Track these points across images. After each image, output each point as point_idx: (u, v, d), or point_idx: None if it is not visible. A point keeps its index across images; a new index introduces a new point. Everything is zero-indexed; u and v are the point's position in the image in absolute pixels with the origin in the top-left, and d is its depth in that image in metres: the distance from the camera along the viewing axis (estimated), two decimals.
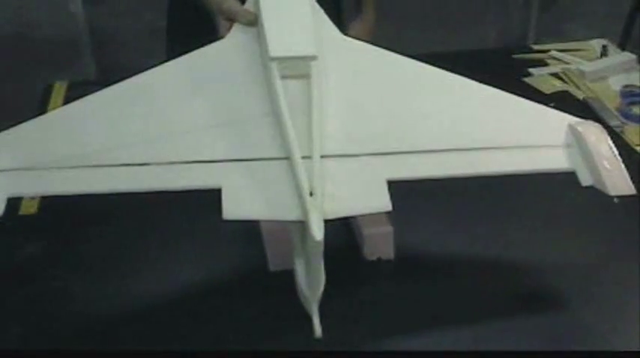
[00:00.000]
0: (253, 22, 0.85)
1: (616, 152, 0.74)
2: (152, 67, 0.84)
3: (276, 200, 0.67)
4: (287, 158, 0.68)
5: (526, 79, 1.30)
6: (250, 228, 0.88)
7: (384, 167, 0.71)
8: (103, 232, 0.92)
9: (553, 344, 0.76)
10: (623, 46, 1.49)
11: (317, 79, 0.74)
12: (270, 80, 0.75)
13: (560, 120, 0.77)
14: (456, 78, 0.80)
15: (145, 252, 0.89)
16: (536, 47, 1.43)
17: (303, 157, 0.66)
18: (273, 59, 0.75)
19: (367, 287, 0.84)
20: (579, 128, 0.75)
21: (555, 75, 1.32)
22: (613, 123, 1.16)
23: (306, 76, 0.75)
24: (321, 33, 0.81)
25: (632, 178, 0.99)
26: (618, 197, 0.72)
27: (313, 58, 0.76)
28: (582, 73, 1.30)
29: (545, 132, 0.76)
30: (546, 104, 0.79)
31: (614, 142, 0.75)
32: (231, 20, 0.89)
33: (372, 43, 0.84)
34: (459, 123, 0.76)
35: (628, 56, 1.36)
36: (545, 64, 1.36)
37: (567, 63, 1.36)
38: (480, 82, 0.80)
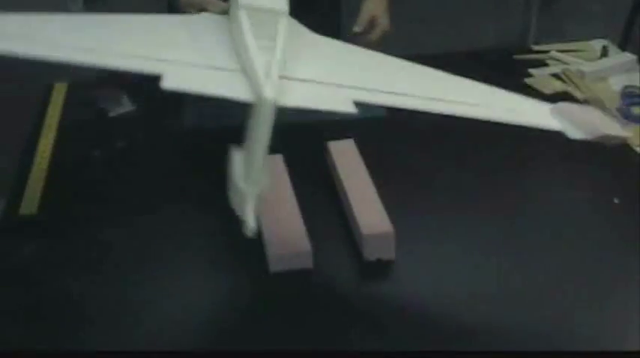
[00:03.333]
0: (224, 11, 0.85)
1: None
2: None
3: (224, 80, 0.65)
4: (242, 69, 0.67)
5: (526, 80, 1.30)
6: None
7: (351, 90, 0.71)
8: (103, 232, 0.92)
9: (553, 344, 0.76)
10: (623, 46, 1.49)
11: (283, 33, 0.73)
12: (236, 29, 0.74)
13: (540, 105, 0.77)
14: (432, 70, 0.79)
15: (146, 252, 0.89)
16: (536, 48, 1.43)
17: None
18: (242, 7, 0.74)
19: (367, 287, 0.84)
20: (563, 105, 0.76)
21: (555, 75, 1.32)
22: None
23: (273, 36, 0.73)
24: (294, 28, 0.80)
25: (632, 178, 1.00)
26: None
27: (283, 13, 0.75)
28: (582, 74, 1.30)
29: (529, 110, 0.77)
30: None
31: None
32: (202, 10, 0.91)
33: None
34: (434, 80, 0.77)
35: (628, 56, 1.36)
36: (546, 65, 1.36)
37: (567, 63, 1.35)
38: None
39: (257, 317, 0.80)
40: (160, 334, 0.78)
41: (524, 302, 0.82)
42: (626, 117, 1.18)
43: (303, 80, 0.70)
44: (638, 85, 1.26)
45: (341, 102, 0.68)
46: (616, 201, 0.98)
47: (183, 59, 0.68)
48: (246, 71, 0.67)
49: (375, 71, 0.78)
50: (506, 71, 1.32)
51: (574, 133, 0.73)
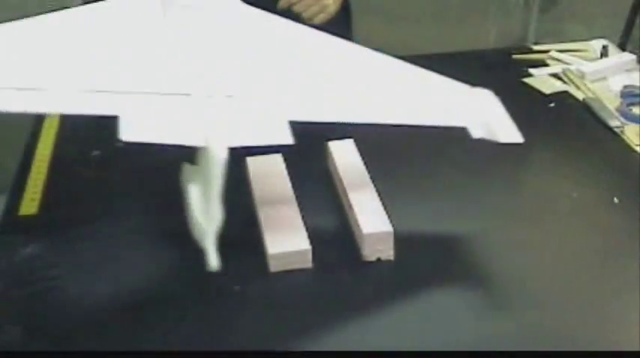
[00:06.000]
0: None
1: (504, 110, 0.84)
2: None
3: (178, 127, 0.67)
4: (187, 94, 0.69)
5: (526, 80, 1.30)
6: (251, 229, 0.88)
7: (286, 108, 0.73)
8: (103, 232, 0.92)
9: (553, 344, 0.76)
10: (623, 46, 1.49)
11: (212, 25, 0.76)
12: (169, 25, 0.76)
13: (450, 87, 0.84)
14: (352, 46, 0.84)
15: (146, 252, 0.89)
16: (536, 47, 1.43)
17: (206, 96, 0.68)
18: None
19: (367, 287, 0.84)
20: (470, 92, 0.82)
21: (555, 75, 1.32)
22: (613, 123, 1.16)
23: (203, 26, 0.76)
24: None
25: (632, 178, 1.00)
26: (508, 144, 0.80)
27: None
28: (582, 74, 1.30)
29: (437, 96, 0.83)
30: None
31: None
32: None
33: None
34: (355, 82, 0.81)
35: (628, 56, 1.36)
36: (545, 65, 1.36)
37: (567, 63, 1.35)
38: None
39: (257, 316, 0.80)
40: (159, 334, 0.77)
41: (524, 302, 0.82)
42: (626, 117, 1.18)
43: (241, 97, 0.73)
44: (638, 84, 1.26)
45: (278, 131, 0.71)
46: (616, 200, 0.98)
47: (133, 87, 0.70)
48: (192, 100, 0.69)
49: (314, 76, 0.80)
50: (506, 71, 1.32)
51: (477, 132, 0.81)
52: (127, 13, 0.80)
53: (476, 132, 0.81)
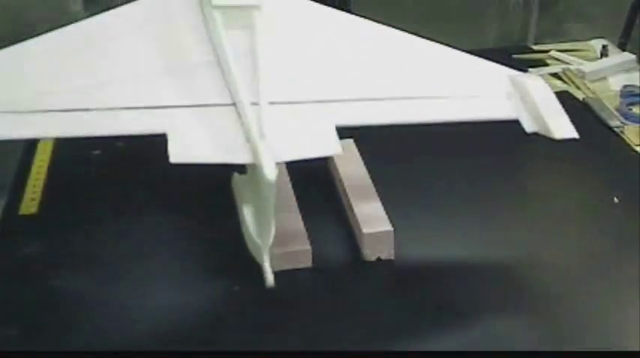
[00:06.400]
0: None
1: (557, 100, 0.76)
2: None
3: (225, 144, 0.66)
4: (234, 104, 0.68)
5: None
6: None
7: (331, 113, 0.71)
8: (104, 232, 0.92)
9: (553, 344, 0.76)
10: (623, 46, 1.49)
11: (261, 29, 0.74)
12: (213, 29, 0.74)
13: (500, 72, 0.78)
14: (399, 33, 0.81)
15: (146, 252, 0.89)
16: (536, 47, 1.43)
17: (251, 104, 0.66)
18: (216, 7, 0.74)
19: (367, 287, 0.84)
20: (520, 78, 0.76)
21: (555, 75, 1.32)
22: (613, 123, 1.16)
23: (249, 27, 0.74)
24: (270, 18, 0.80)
25: (632, 178, 1.00)
26: (563, 140, 0.73)
27: (257, 7, 0.75)
28: (582, 73, 1.30)
29: (486, 83, 0.77)
30: None
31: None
32: None
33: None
34: (400, 75, 0.77)
35: (628, 56, 1.36)
36: (546, 64, 1.36)
37: (567, 63, 1.36)
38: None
39: (256, 316, 0.80)
40: (159, 334, 0.77)
41: (524, 302, 0.82)
42: (626, 116, 1.18)
43: (286, 103, 0.71)
44: (637, 84, 1.26)
45: (326, 141, 0.69)
46: (616, 200, 0.98)
47: (176, 101, 0.68)
48: (237, 112, 0.67)
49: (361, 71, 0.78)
50: None
51: (529, 125, 0.74)
52: (164, 17, 0.79)
53: (529, 126, 0.74)
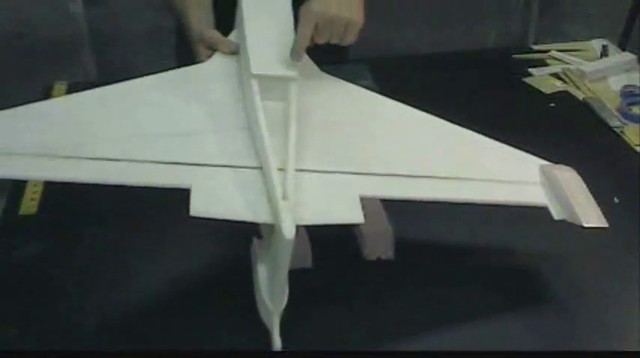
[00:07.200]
0: (235, 51, 0.88)
1: (587, 190, 0.79)
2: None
3: (247, 202, 0.67)
4: (260, 167, 0.70)
5: (526, 79, 1.30)
6: (250, 229, 0.88)
7: (358, 184, 0.72)
8: (103, 232, 0.92)
9: (553, 344, 0.76)
10: (623, 46, 1.49)
11: (295, 100, 0.76)
12: (249, 96, 0.77)
13: (531, 161, 0.81)
14: (428, 117, 0.83)
15: (146, 252, 0.89)
16: (536, 47, 1.43)
17: (278, 169, 0.67)
18: (254, 76, 0.77)
19: (367, 287, 0.84)
20: (551, 169, 0.80)
21: (555, 75, 1.32)
22: (613, 123, 1.16)
23: (284, 96, 0.77)
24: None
25: (632, 178, 1.00)
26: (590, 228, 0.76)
27: (293, 79, 0.78)
28: (582, 73, 1.30)
29: (517, 169, 0.80)
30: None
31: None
32: (212, 49, 0.91)
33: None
34: (433, 156, 0.79)
35: (628, 56, 1.36)
36: (546, 64, 1.36)
37: (567, 63, 1.36)
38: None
39: (257, 316, 0.80)
40: (159, 334, 0.77)
41: (524, 302, 0.82)
42: (626, 116, 1.18)
43: (313, 171, 0.72)
44: (638, 84, 1.26)
45: (349, 209, 0.70)
46: (616, 200, 0.98)
47: (205, 159, 0.71)
48: (263, 174, 0.69)
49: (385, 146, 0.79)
50: (506, 71, 1.32)
51: (558, 212, 0.77)
52: (202, 83, 0.83)
53: (557, 213, 0.77)
